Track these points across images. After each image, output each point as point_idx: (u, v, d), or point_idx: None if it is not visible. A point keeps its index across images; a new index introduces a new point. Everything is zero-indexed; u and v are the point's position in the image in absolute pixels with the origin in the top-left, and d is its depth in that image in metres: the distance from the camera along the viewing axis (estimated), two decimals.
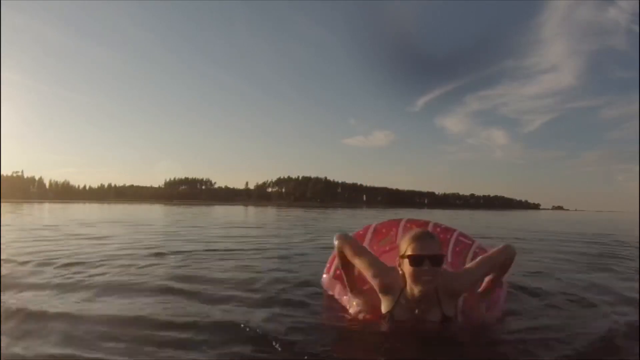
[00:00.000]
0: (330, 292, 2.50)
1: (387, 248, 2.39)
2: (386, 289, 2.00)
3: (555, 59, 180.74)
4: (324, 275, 2.60)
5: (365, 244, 2.42)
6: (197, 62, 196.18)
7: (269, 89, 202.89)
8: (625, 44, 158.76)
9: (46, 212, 18.91)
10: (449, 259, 2.30)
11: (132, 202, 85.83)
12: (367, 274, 2.05)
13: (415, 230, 1.98)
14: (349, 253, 2.13)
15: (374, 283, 2.03)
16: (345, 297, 2.33)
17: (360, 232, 2.61)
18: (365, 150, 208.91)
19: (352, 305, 2.23)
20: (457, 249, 2.36)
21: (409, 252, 1.86)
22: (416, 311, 1.95)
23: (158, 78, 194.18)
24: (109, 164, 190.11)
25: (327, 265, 2.63)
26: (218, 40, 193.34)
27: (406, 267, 1.88)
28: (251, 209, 35.64)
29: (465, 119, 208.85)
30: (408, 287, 1.92)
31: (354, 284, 2.29)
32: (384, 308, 2.01)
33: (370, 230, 2.57)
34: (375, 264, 2.07)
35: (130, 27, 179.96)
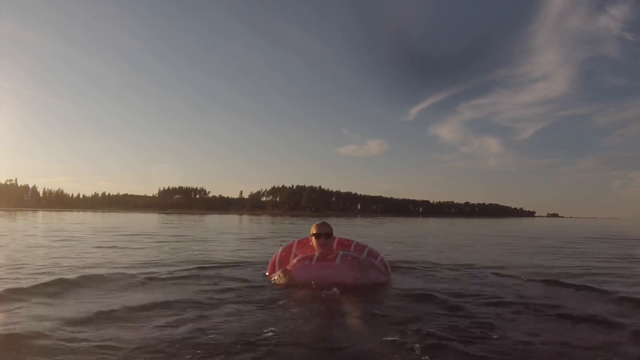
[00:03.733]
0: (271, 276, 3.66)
1: (307, 250, 3.75)
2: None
3: (547, 68, 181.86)
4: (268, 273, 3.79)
5: (293, 249, 3.83)
6: (190, 73, 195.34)
7: (262, 98, 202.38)
8: (617, 51, 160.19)
9: None
10: (352, 250, 3.78)
11: (126, 211, 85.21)
12: None
13: (317, 222, 3.67)
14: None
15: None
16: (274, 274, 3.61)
17: (288, 245, 3.93)
18: (359, 160, 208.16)
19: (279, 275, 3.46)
20: (357, 248, 3.83)
21: (314, 232, 3.60)
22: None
23: (151, 88, 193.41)
24: (102, 172, 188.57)
25: (270, 268, 3.81)
26: (210, 50, 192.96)
27: (314, 241, 3.59)
28: (244, 218, 35.31)
29: (458, 128, 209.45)
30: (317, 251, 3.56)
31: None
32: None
33: (295, 242, 3.92)
34: None
35: (123, 38, 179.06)
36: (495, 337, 2.10)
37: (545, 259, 6.19)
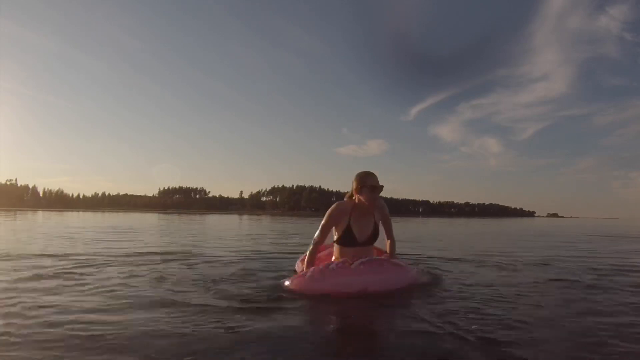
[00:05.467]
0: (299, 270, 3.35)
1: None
2: (339, 216, 3.00)
3: (547, 68, 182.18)
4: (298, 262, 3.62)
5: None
6: (190, 73, 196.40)
7: (262, 98, 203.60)
8: (616, 51, 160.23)
9: None
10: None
11: (126, 211, 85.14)
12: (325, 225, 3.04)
13: (365, 172, 3.00)
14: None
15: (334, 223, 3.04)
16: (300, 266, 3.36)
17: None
18: (359, 160, 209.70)
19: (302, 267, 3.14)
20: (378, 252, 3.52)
21: (368, 184, 2.92)
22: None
23: (151, 88, 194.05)
24: (103, 172, 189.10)
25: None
26: (210, 50, 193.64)
27: (365, 194, 2.92)
28: (245, 218, 35.28)
29: (458, 128, 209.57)
30: (359, 203, 2.99)
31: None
32: (340, 228, 3.03)
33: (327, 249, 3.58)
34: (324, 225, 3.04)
35: (123, 38, 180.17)
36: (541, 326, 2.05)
37: (555, 254, 6.12)
